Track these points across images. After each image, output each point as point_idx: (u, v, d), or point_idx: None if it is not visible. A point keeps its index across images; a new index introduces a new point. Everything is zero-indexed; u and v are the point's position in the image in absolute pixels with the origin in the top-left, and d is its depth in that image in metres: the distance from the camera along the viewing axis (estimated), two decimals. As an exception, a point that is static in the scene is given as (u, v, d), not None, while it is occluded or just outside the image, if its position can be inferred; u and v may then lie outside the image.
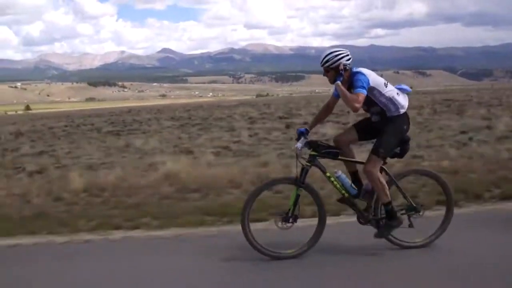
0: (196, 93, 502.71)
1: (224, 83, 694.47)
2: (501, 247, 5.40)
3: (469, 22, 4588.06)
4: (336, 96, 5.45)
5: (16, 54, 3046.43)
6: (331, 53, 5.16)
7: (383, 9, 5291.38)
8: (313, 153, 5.28)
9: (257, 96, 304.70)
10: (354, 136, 5.50)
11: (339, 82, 5.11)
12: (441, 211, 5.86)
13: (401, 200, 5.65)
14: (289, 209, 5.30)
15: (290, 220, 5.28)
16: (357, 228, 5.60)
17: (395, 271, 5.02)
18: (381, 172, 5.36)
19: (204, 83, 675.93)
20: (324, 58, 5.18)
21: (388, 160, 5.48)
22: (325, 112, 5.63)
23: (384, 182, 5.25)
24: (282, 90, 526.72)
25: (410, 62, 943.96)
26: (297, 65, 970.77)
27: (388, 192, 5.25)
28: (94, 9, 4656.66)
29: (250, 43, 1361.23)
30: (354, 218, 5.63)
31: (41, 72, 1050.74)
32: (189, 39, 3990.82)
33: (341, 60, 5.12)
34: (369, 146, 5.60)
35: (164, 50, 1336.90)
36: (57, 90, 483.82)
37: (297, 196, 5.27)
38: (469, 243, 5.54)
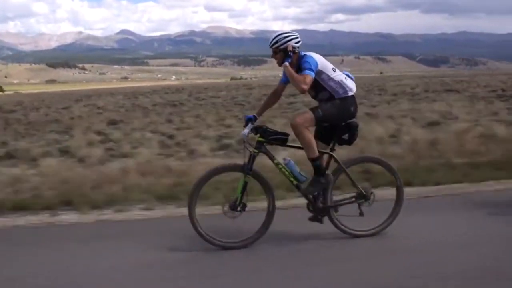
0: (159, 76, 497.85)
1: (186, 66, 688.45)
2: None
3: (427, 9, 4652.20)
4: (284, 81, 5.41)
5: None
6: (280, 34, 5.15)
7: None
8: (260, 139, 5.18)
9: (231, 79, 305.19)
10: (321, 146, 5.36)
11: (287, 63, 5.07)
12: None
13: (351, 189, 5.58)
14: (237, 197, 5.16)
15: (238, 208, 5.16)
16: (306, 215, 5.50)
17: (346, 257, 4.96)
18: (330, 159, 5.34)
19: (165, 65, 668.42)
20: (273, 39, 5.14)
21: (337, 147, 5.40)
22: (273, 98, 5.57)
23: (311, 137, 5.14)
24: (245, 73, 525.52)
25: (370, 48, 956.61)
26: (258, 49, 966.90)
27: (315, 148, 5.14)
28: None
29: (211, 25, 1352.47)
30: (303, 205, 5.58)
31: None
32: (149, 20, 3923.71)
33: (290, 42, 5.10)
34: (342, 148, 5.63)
35: (123, 31, 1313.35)
36: (14, 71, 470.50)
37: (245, 183, 5.15)
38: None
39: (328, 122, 5.25)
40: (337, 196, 5.53)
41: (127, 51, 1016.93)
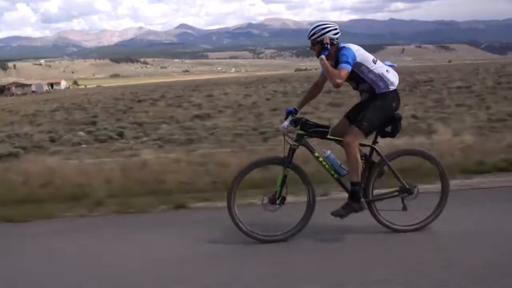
0: (219, 68, 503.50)
1: (244, 58, 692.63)
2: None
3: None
4: (324, 74, 5.21)
5: (34, 31, 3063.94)
6: (318, 25, 4.99)
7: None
8: (300, 132, 5.04)
9: (296, 70, 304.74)
10: (347, 126, 5.23)
11: (323, 56, 4.90)
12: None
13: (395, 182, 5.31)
14: (276, 190, 5.07)
15: (277, 202, 5.06)
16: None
17: (388, 252, 4.80)
18: (372, 152, 5.22)
19: (224, 58, 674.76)
20: (310, 31, 4.99)
21: (380, 140, 5.24)
22: (314, 91, 5.45)
23: (359, 160, 5.05)
24: (304, 65, 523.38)
25: (432, 36, 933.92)
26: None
27: (360, 172, 5.06)
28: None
29: (268, 17, 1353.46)
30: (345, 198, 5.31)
31: (60, 49, 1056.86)
32: (207, 14, 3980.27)
33: (328, 34, 4.93)
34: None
35: (182, 25, 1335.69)
36: (80, 67, 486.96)
37: (284, 176, 5.06)
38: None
39: (376, 128, 5.10)
40: (379, 190, 5.33)
41: (186, 45, 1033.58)
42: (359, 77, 5.07)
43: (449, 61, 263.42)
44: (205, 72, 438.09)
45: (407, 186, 5.23)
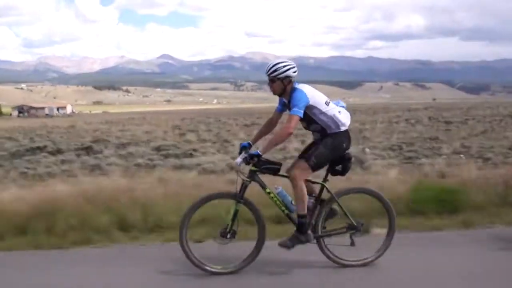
0: (201, 99, 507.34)
1: (225, 90, 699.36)
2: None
3: (466, 36, 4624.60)
4: (280, 110, 5.38)
5: (16, 55, 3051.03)
6: (279, 63, 5.06)
7: (382, 21, 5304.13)
8: (253, 168, 5.10)
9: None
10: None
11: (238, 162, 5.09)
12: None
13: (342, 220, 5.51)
14: (228, 225, 5.13)
15: (228, 235, 5.11)
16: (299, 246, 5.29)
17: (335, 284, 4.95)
18: (322, 189, 5.32)
19: (205, 89, 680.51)
20: (271, 68, 5.04)
21: (330, 178, 5.37)
22: (268, 127, 5.51)
23: (305, 193, 5.12)
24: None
25: (408, 75, 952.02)
26: (297, 75, 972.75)
27: (306, 205, 5.13)
28: (95, 13, 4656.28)
29: (249, 51, 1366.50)
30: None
31: (40, 74, 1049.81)
32: (189, 45, 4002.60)
33: (288, 72, 5.02)
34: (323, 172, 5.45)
35: (164, 56, 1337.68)
36: (62, 92, 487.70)
37: (236, 211, 5.11)
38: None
39: (323, 166, 5.22)
40: (328, 226, 5.47)
41: (167, 75, 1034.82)
42: (310, 118, 5.09)
43: (434, 99, 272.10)
44: (186, 102, 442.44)
45: (355, 224, 5.33)
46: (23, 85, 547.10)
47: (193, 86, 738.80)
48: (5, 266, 5.71)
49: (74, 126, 55.60)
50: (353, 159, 5.39)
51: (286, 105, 5.25)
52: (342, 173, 5.29)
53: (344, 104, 5.39)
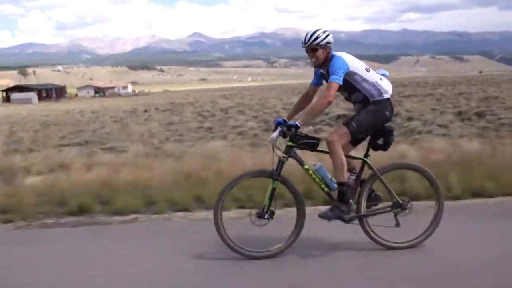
0: (235, 77, 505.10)
1: (258, 67, 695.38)
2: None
3: (505, 5, 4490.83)
4: (315, 84, 5.10)
5: (49, 38, 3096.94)
6: (317, 30, 4.79)
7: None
8: (289, 143, 4.83)
9: None
10: (348, 146, 5.04)
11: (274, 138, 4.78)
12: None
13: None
14: (265, 204, 4.85)
15: (266, 216, 4.84)
16: (339, 224, 4.98)
17: (378, 266, 4.64)
18: (364, 165, 5.02)
19: (239, 67, 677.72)
20: (312, 36, 4.76)
21: (371, 153, 5.04)
22: (304, 101, 5.23)
23: (344, 159, 4.82)
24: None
25: (445, 47, 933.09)
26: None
27: (345, 172, 4.85)
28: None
29: (281, 27, 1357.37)
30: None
31: (74, 56, 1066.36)
32: (219, 23, 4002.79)
33: (328, 38, 4.78)
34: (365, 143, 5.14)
35: (195, 34, 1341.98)
36: (98, 73, 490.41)
37: (273, 190, 4.85)
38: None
39: (364, 133, 4.92)
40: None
41: (199, 53, 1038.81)
42: (352, 86, 4.89)
43: (480, 72, 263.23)
44: (221, 80, 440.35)
45: (400, 201, 5.04)
46: (59, 67, 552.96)
47: (226, 64, 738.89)
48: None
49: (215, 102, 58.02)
50: (395, 132, 5.13)
51: (324, 77, 4.98)
52: (384, 147, 5.02)
53: (386, 72, 5.18)
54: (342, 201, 4.89)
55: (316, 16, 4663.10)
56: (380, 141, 4.97)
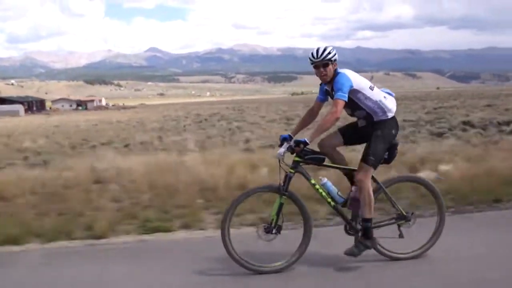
0: (193, 92, 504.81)
1: (216, 82, 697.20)
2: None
3: (455, 25, 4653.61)
4: (321, 100, 5.13)
5: (1, 51, 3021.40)
6: (327, 47, 4.88)
7: (371, 11, 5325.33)
8: (296, 159, 4.89)
9: (293, 94, 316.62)
10: (339, 140, 5.19)
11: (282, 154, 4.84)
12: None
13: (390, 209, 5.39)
14: (272, 219, 4.89)
15: (273, 231, 4.87)
16: (345, 238, 5.11)
17: (384, 281, 4.70)
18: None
19: (197, 82, 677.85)
20: (323, 52, 4.80)
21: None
22: (310, 117, 5.25)
23: (372, 196, 4.92)
24: (278, 90, 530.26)
25: (398, 64, 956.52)
26: (286, 66, 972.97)
27: (372, 208, 4.94)
28: (81, 7, 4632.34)
29: (238, 43, 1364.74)
30: (341, 227, 5.27)
31: (27, 70, 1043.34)
32: (176, 38, 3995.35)
33: (336, 55, 4.84)
34: (359, 148, 5.39)
35: (151, 49, 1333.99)
36: (55, 87, 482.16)
37: (280, 205, 4.89)
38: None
39: (382, 158, 4.98)
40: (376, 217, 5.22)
41: (156, 68, 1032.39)
42: (355, 104, 4.92)
43: (437, 88, 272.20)
44: (180, 95, 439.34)
45: (404, 213, 5.14)
46: (13, 81, 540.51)
47: (183, 79, 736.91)
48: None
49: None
50: (398, 146, 5.21)
51: (328, 93, 4.99)
52: (388, 160, 5.09)
53: (390, 91, 5.21)
54: (367, 237, 4.94)
55: (272, 32, 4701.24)
56: (385, 155, 5.04)
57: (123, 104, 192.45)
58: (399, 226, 5.12)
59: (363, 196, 4.90)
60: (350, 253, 4.93)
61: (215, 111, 70.55)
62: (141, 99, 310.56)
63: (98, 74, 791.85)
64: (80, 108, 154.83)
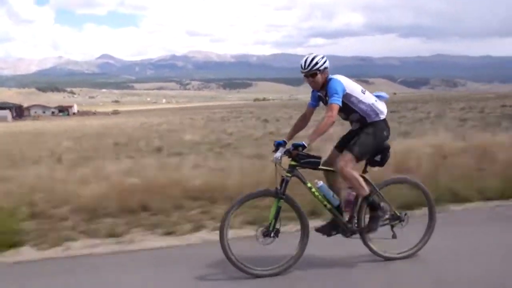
0: (148, 99, 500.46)
1: (171, 89, 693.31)
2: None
3: (404, 33, 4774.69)
4: (313, 106, 5.30)
5: None
6: (315, 56, 4.96)
7: (322, 19, 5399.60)
8: (292, 163, 4.96)
9: (255, 100, 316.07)
10: (336, 154, 5.25)
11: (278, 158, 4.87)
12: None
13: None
14: (270, 223, 4.95)
15: (272, 234, 4.93)
16: (342, 240, 5.19)
17: (381, 282, 4.81)
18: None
19: (152, 89, 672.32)
20: (311, 62, 4.93)
21: (369, 169, 5.27)
22: (302, 122, 5.38)
23: (357, 176, 5.05)
24: (233, 96, 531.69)
25: (350, 71, 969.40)
26: (240, 73, 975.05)
27: (364, 185, 5.06)
28: (30, 13, 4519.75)
29: (191, 50, 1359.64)
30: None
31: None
32: (129, 45, 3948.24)
33: (326, 63, 4.97)
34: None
35: (104, 56, 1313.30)
36: (5, 95, 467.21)
37: (278, 208, 4.95)
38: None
39: (367, 155, 5.12)
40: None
41: (109, 75, 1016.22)
42: (349, 107, 5.04)
43: (394, 93, 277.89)
44: (135, 102, 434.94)
45: (398, 214, 5.26)
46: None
47: (138, 86, 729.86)
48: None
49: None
50: (390, 148, 5.27)
51: (321, 99, 5.12)
52: (381, 163, 5.20)
53: (383, 94, 5.34)
54: (376, 208, 5.11)
55: (225, 39, 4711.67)
56: (378, 158, 5.15)
57: (95, 110, 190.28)
58: (392, 226, 5.24)
59: (350, 181, 5.01)
60: (372, 229, 5.11)
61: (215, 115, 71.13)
62: (97, 107, 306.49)
63: (50, 81, 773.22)
64: (61, 114, 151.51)
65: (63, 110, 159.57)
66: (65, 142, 30.81)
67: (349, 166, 4.99)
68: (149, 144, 26.26)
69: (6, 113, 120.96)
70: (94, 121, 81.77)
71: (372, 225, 5.10)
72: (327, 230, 5.16)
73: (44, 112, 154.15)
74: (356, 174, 5.02)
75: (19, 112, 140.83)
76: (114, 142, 29.23)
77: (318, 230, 5.17)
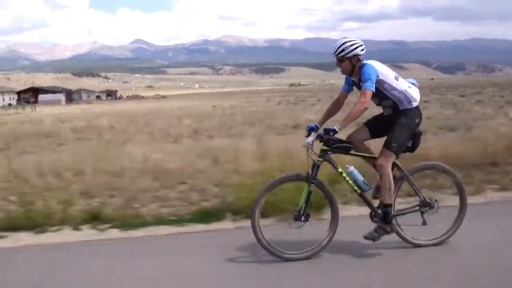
0: (181, 84, 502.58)
1: (204, 74, 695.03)
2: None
3: (439, 16, 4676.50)
4: (346, 90, 5.31)
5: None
6: (345, 42, 4.98)
7: (356, 2, 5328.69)
8: (324, 147, 4.97)
9: (291, 85, 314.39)
10: (365, 134, 5.29)
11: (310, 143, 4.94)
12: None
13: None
14: (301, 207, 5.00)
15: (302, 218, 4.98)
16: (371, 225, 5.20)
17: (407, 267, 4.79)
18: (393, 167, 5.17)
19: (184, 74, 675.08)
20: (338, 48, 4.97)
21: (400, 154, 5.21)
22: (335, 107, 5.36)
23: (392, 181, 5.05)
24: (267, 81, 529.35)
25: (384, 55, 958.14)
26: (273, 57, 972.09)
27: (392, 194, 5.06)
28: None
29: (224, 34, 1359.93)
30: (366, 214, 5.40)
31: (11, 62, 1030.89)
32: (162, 30, 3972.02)
33: (356, 50, 4.95)
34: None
35: (137, 41, 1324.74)
36: (41, 80, 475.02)
37: (309, 192, 5.00)
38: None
39: (405, 146, 5.11)
40: (400, 205, 5.36)
41: (142, 60, 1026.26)
42: (382, 94, 5.05)
43: (432, 79, 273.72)
44: (168, 87, 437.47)
45: (428, 200, 5.24)
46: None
47: (171, 71, 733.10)
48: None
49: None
50: (422, 134, 5.29)
51: (355, 84, 5.16)
52: (412, 149, 5.20)
53: (415, 81, 5.33)
54: (386, 222, 5.07)
55: (258, 23, 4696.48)
56: (409, 144, 5.13)
57: (156, 94, 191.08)
58: (422, 213, 5.23)
59: (384, 181, 5.01)
60: (369, 237, 5.07)
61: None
62: (133, 91, 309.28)
63: (84, 66, 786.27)
64: (109, 98, 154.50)
65: (111, 94, 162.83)
66: (185, 120, 32.19)
67: (389, 163, 5.00)
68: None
69: (61, 96, 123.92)
70: (159, 104, 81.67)
71: (374, 234, 5.07)
72: (376, 235, 5.10)
73: (88, 96, 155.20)
74: (392, 179, 5.03)
75: (69, 96, 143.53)
76: (242, 121, 31.37)
77: (366, 237, 5.12)
